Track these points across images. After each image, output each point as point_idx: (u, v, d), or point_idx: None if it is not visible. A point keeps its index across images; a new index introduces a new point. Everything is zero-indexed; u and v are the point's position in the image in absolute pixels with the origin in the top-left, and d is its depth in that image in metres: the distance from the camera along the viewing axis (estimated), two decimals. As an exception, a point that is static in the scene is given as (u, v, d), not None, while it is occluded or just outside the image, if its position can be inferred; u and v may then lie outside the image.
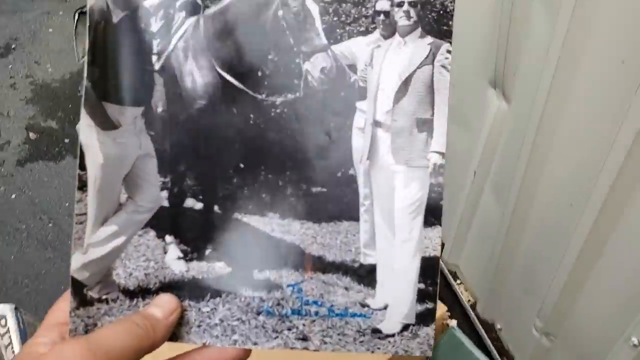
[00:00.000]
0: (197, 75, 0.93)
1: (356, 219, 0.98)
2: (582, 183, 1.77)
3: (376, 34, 0.94)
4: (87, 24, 0.86)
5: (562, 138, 1.85)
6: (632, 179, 1.57)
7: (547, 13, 1.68)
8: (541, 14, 1.70)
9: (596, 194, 1.70)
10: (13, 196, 3.13)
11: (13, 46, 3.70)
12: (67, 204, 3.16)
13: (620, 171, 1.58)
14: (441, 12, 0.91)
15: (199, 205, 0.96)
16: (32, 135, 3.22)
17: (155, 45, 0.91)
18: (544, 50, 1.70)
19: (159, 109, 0.92)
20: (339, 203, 0.97)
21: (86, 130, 0.88)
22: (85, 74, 0.87)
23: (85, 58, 0.87)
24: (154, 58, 0.91)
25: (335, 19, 0.92)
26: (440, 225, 0.96)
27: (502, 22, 1.85)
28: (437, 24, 0.92)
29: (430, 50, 0.93)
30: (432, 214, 0.96)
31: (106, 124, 0.89)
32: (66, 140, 3.15)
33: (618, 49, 1.47)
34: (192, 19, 0.92)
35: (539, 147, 1.94)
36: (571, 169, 1.84)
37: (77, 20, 3.06)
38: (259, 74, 0.93)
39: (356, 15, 0.92)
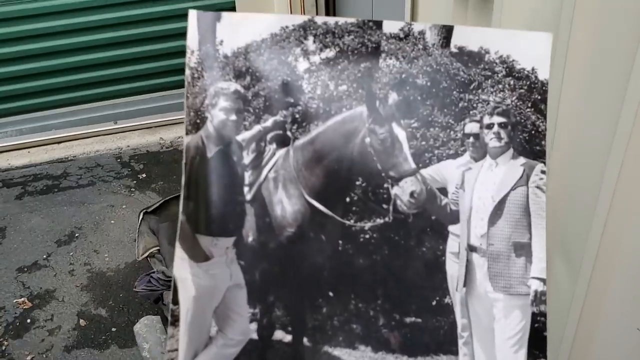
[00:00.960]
0: (286, 204, 0.92)
1: (455, 352, 0.90)
2: None
3: (466, 156, 0.93)
4: (183, 161, 0.88)
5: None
6: None
7: (568, 273, 1.72)
8: (563, 269, 1.75)
9: None
10: (55, 382, 3.04)
11: (77, 235, 3.84)
12: (104, 395, 3.05)
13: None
14: (533, 132, 0.91)
15: (288, 338, 0.90)
16: (82, 322, 3.20)
17: (247, 176, 0.92)
18: (568, 298, 1.72)
19: (250, 239, 0.91)
20: (435, 335, 0.90)
21: (180, 263, 0.86)
22: (180, 209, 0.87)
23: (182, 193, 0.87)
24: (246, 189, 0.92)
25: (423, 143, 0.92)
26: (546, 358, 0.87)
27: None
28: (529, 145, 0.91)
29: (524, 171, 0.91)
30: (536, 347, 0.88)
31: (199, 256, 0.87)
32: (113, 329, 3.13)
33: (634, 317, 1.50)
34: (283, 150, 0.93)
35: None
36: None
37: (141, 220, 3.17)
38: (347, 200, 0.92)
39: (445, 139, 0.92)
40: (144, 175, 4.28)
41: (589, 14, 1.42)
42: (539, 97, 0.91)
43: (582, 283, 1.63)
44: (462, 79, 0.92)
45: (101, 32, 4.40)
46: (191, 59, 0.90)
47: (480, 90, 0.92)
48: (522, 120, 0.91)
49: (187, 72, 0.90)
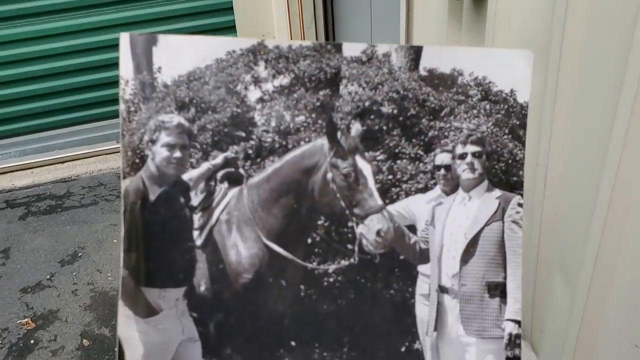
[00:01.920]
0: (241, 248, 0.83)
1: None
2: None
3: (437, 190, 0.83)
4: (122, 209, 0.79)
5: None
6: None
7: (566, 289, 1.68)
8: (561, 285, 1.70)
9: None
10: (57, 404, 2.99)
11: (80, 254, 3.79)
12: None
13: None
14: (510, 161, 0.81)
15: (247, 395, 0.81)
16: (85, 342, 3.15)
17: (197, 219, 0.82)
18: (567, 314, 1.68)
19: (202, 288, 0.82)
20: None
21: (124, 322, 0.78)
22: (121, 263, 0.79)
23: (122, 246, 0.79)
24: (196, 233, 0.82)
25: (390, 177, 0.83)
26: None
27: (527, 292, 1.89)
28: (506, 175, 0.81)
29: (499, 204, 0.81)
30: None
31: (145, 311, 0.79)
32: (116, 349, 3.07)
33: (633, 334, 1.45)
34: (235, 190, 0.84)
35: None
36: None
37: None
38: (309, 241, 0.83)
39: (413, 172, 0.83)
40: (145, 194, 4.23)
41: (579, 24, 1.37)
42: (518, 123, 0.81)
43: (580, 299, 1.57)
44: (432, 105, 0.83)
45: (103, 53, 4.40)
46: (126, 91, 0.80)
47: (452, 117, 0.83)
48: (499, 149, 0.81)
49: (122, 106, 0.80)
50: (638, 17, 1.15)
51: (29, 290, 3.51)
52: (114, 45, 4.33)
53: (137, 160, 0.80)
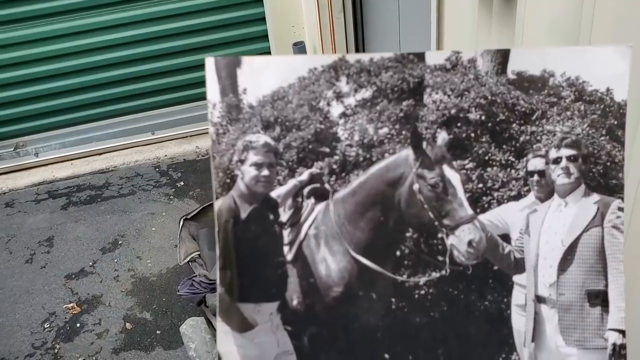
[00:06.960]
0: (330, 262, 0.78)
1: None
2: None
3: (530, 197, 0.77)
4: (216, 229, 0.75)
5: None
6: None
7: None
8: None
9: None
10: (105, 384, 3.00)
11: (120, 242, 3.80)
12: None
13: None
14: (608, 163, 0.74)
15: (343, 410, 0.77)
16: (128, 325, 3.18)
17: (286, 235, 0.78)
18: None
19: (294, 302, 0.78)
20: None
21: (223, 338, 0.75)
22: (218, 280, 0.75)
23: (218, 264, 0.75)
24: (286, 249, 0.78)
25: (480, 185, 0.77)
26: (629, 418, 0.72)
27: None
28: (604, 178, 0.74)
29: (598, 209, 0.74)
30: None
31: (242, 325, 0.76)
32: (157, 332, 3.10)
33: None
34: (322, 205, 0.79)
35: None
36: None
37: (182, 226, 3.09)
38: (397, 253, 0.78)
39: (505, 179, 0.76)
40: (181, 183, 4.20)
41: (608, 15, 1.29)
42: (616, 122, 0.74)
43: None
44: (523, 109, 0.76)
45: (137, 47, 4.34)
46: (214, 114, 0.76)
47: (544, 120, 0.76)
48: (595, 151, 0.75)
49: (211, 129, 0.76)
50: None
51: (73, 276, 3.53)
52: (150, 39, 4.30)
53: (227, 181, 0.76)
